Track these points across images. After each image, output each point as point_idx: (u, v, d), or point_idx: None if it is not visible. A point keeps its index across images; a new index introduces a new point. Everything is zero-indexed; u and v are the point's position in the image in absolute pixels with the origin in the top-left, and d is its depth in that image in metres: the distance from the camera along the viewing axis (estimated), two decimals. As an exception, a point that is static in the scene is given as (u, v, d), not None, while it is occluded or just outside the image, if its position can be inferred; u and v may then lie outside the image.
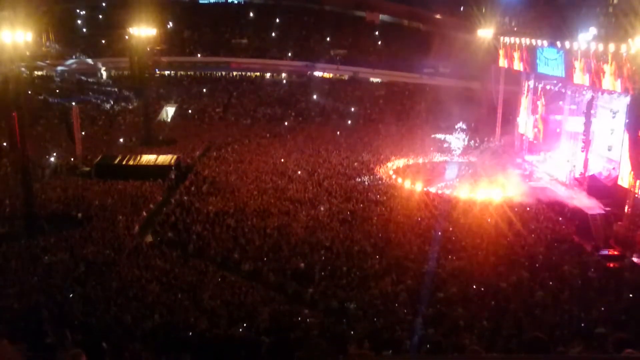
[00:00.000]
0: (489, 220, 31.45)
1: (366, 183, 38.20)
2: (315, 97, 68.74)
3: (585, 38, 33.20)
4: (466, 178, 40.33)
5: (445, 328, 19.80)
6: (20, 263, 25.19)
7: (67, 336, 18.40)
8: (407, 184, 38.88)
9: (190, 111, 65.94)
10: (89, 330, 19.32)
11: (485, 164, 43.05)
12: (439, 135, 52.32)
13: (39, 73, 66.89)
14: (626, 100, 30.90)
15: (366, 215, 32.25)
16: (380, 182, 39.19)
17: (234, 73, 73.61)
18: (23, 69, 30.57)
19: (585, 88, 34.88)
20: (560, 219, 32.00)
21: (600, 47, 30.97)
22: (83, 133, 48.12)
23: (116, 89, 68.29)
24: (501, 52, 47.00)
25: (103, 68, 70.65)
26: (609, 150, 36.25)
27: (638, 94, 28.54)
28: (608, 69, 30.46)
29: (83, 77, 70.45)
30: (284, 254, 26.89)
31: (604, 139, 36.63)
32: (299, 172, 40.67)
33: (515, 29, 45.43)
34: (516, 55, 43.84)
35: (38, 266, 24.94)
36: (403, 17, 79.47)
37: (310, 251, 26.99)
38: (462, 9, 58.60)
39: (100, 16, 76.64)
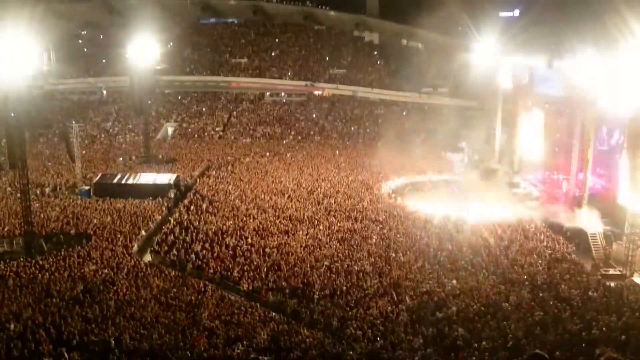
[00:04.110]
0: (488, 239, 31.39)
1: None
2: (314, 116, 69.06)
3: (583, 58, 33.44)
4: (465, 197, 40.31)
5: (445, 348, 19.72)
6: (18, 282, 25.07)
7: (64, 356, 18.31)
8: (407, 203, 38.87)
9: (190, 130, 66.20)
10: (87, 349, 19.22)
11: (484, 182, 43.11)
12: (438, 154, 52.45)
13: (40, 92, 67.16)
14: (625, 118, 31.03)
15: (366, 234, 32.20)
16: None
17: (234, 92, 74.02)
18: (24, 87, 30.65)
19: (583, 107, 35.06)
20: (560, 238, 31.96)
21: (598, 66, 31.18)
22: (83, 152, 48.24)
23: (116, 108, 68.62)
24: (499, 71, 47.35)
25: (104, 87, 71.02)
26: (608, 168, 36.36)
27: (636, 113, 28.68)
28: (606, 87, 30.64)
29: (84, 96, 70.88)
30: (283, 273, 26.81)
31: (602, 157, 36.74)
32: (298, 192, 40.63)
33: (513, 48, 45.80)
34: (514, 74, 44.18)
35: (36, 285, 24.81)
36: (402, 37, 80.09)
37: (309, 270, 26.91)
38: (459, 29, 59.10)
39: (101, 36, 77.23)
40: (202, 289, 25.33)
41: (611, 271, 28.74)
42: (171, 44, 74.50)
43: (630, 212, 29.28)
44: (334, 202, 37.96)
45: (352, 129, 66.09)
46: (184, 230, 32.32)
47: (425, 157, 51.09)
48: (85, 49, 78.18)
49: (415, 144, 54.23)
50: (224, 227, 32.79)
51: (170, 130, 66.88)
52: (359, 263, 27.92)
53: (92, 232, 32.22)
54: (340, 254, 29.03)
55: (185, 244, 30.45)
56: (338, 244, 30.66)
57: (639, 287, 26.49)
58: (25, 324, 20.91)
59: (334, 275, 26.41)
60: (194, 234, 31.77)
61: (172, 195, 39.61)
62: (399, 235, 32.01)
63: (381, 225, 33.74)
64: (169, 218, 35.35)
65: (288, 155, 54.47)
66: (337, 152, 56.68)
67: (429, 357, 18.48)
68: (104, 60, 73.61)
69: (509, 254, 29.16)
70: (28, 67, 31.19)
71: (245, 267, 27.49)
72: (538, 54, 39.54)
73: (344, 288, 25.05)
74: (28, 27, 30.96)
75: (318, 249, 29.70)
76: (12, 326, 20.79)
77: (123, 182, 41.63)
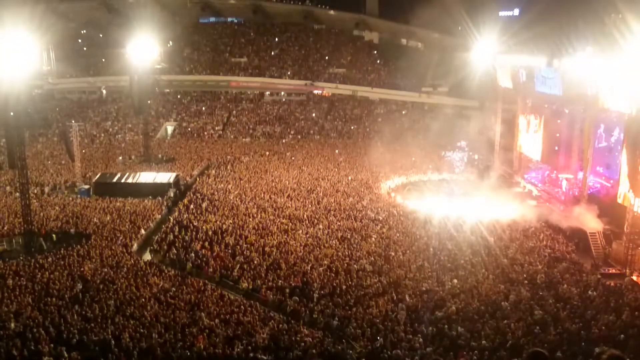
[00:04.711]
0: (488, 238, 31.39)
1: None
2: (314, 115, 69.07)
3: (582, 57, 33.41)
4: (465, 196, 40.32)
5: (445, 347, 19.72)
6: (17, 281, 25.06)
7: (64, 355, 18.31)
8: (407, 202, 38.85)
9: (189, 129, 66.23)
10: (87, 349, 19.21)
11: (484, 182, 43.12)
12: (438, 153, 52.46)
13: (39, 91, 67.07)
14: (624, 118, 31.03)
15: (365, 233, 32.19)
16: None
17: (234, 91, 74.03)
18: (23, 87, 30.62)
19: (583, 107, 35.06)
20: (560, 237, 31.96)
21: (597, 65, 31.16)
22: (83, 151, 48.21)
23: (116, 107, 68.62)
24: (499, 71, 47.33)
25: (103, 86, 70.96)
26: (608, 168, 36.37)
27: (635, 111, 28.67)
28: (605, 87, 30.64)
29: (83, 96, 70.87)
30: (283, 272, 26.80)
31: (602, 156, 36.77)
32: (298, 191, 40.63)
33: (513, 47, 45.76)
34: (514, 74, 44.14)
35: (35, 284, 24.81)
36: (401, 37, 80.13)
37: (309, 269, 26.91)
38: (459, 28, 59.08)
39: (101, 35, 77.18)
40: (202, 288, 25.33)
41: (611, 270, 28.74)
42: (171, 43, 74.45)
43: (630, 211, 29.29)
44: (334, 201, 37.97)
45: (352, 128, 66.13)
46: (183, 229, 32.34)
47: (425, 156, 51.12)
48: (85, 49, 78.15)
49: (415, 143, 54.23)
50: (224, 226, 32.81)
51: (169, 129, 66.90)
52: (358, 262, 27.92)
53: (91, 231, 32.24)
54: (339, 253, 29.03)
55: (184, 243, 30.44)
56: (338, 243, 30.67)
57: (639, 286, 26.50)
58: (24, 323, 20.91)
59: (333, 275, 26.41)
60: (194, 233, 31.78)
61: (172, 195, 39.64)
62: (398, 235, 32.02)
63: (381, 225, 33.74)
64: (169, 217, 35.37)
65: (288, 154, 54.49)
66: (337, 151, 56.70)
67: (429, 356, 18.49)
68: (103, 60, 73.59)
69: (509, 253, 29.14)
70: (28, 67, 31.17)
71: (245, 266, 27.50)
72: (538, 53, 39.51)
73: (344, 287, 25.04)
74: (28, 27, 30.94)
75: (317, 248, 29.70)
76: (12, 325, 20.80)
77: (122, 181, 41.64)
